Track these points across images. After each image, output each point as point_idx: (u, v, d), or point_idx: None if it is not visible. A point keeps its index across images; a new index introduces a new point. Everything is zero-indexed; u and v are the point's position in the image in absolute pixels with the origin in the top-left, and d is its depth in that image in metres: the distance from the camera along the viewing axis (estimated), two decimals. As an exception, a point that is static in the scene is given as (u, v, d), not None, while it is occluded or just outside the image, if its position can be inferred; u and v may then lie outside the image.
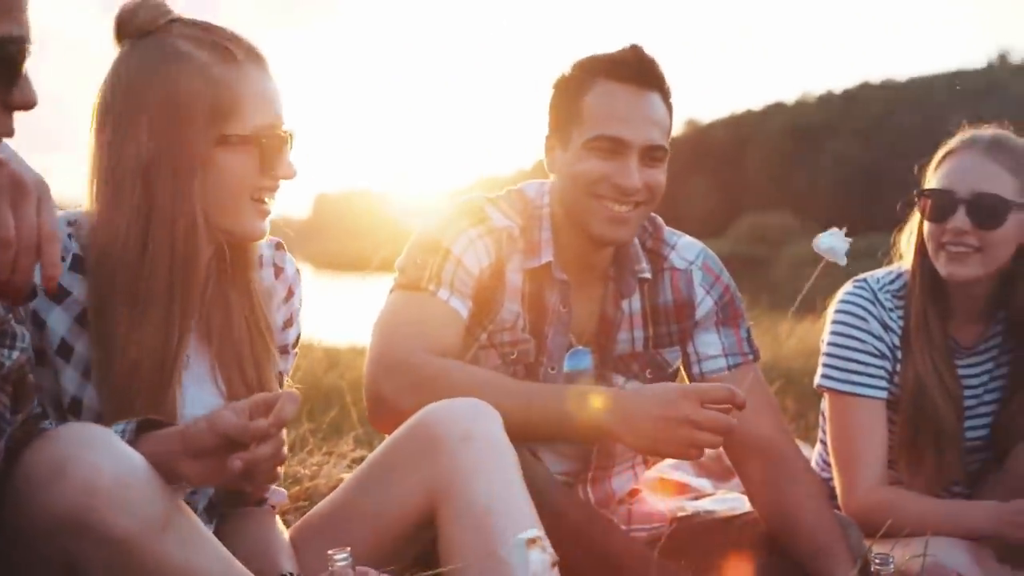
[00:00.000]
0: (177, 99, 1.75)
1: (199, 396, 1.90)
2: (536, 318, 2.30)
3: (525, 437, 2.10)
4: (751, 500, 2.41)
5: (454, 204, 2.34)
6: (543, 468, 2.20)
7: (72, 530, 1.47)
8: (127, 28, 1.80)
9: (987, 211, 2.36)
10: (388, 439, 1.96)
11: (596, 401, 2.08)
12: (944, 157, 2.46)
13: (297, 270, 2.09)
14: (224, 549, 1.63)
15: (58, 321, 1.78)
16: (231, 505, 1.99)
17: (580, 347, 2.35)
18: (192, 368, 1.90)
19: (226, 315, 1.92)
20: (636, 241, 2.37)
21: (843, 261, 2.04)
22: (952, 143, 2.46)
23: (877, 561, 1.74)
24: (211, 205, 1.81)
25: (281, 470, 1.63)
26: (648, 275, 2.37)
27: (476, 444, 1.81)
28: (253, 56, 1.84)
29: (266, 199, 1.86)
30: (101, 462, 1.49)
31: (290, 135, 1.87)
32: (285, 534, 1.99)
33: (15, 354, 1.58)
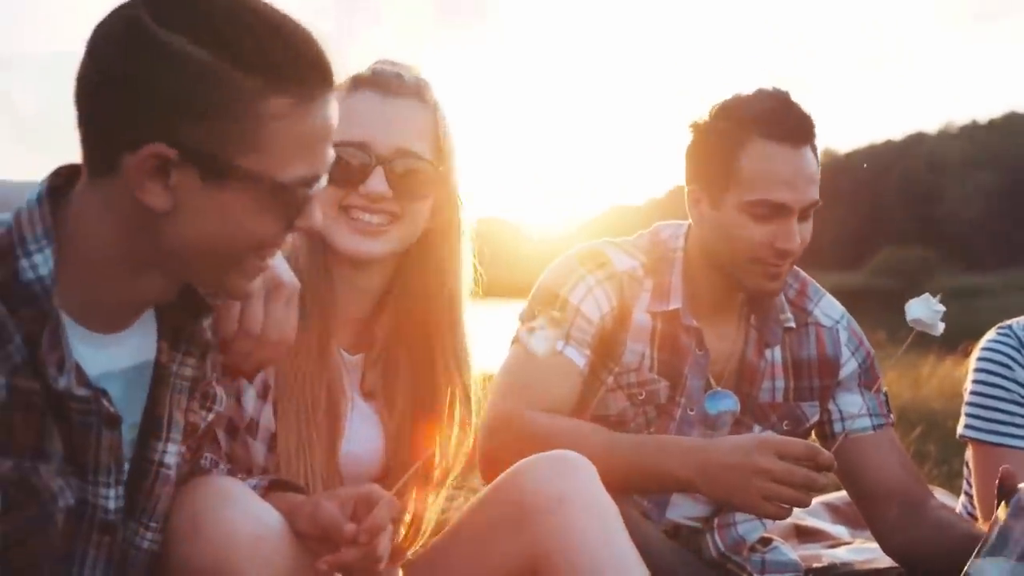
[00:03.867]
0: None
1: (363, 436, 1.93)
2: (669, 358, 2.27)
3: (618, 489, 2.02)
4: (883, 546, 2.34)
5: (574, 251, 2.33)
6: (653, 528, 2.18)
7: None
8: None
9: None
10: (480, 497, 1.90)
11: (674, 451, 2.04)
12: None
13: None
14: None
15: None
16: None
17: (721, 389, 2.31)
18: (358, 408, 1.93)
19: (399, 369, 1.94)
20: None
21: (937, 331, 1.96)
22: None
23: None
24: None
25: (383, 566, 1.56)
26: (793, 324, 2.34)
27: (570, 507, 1.73)
28: (372, 83, 1.91)
29: (362, 216, 1.86)
30: (237, 517, 1.49)
31: (389, 158, 1.85)
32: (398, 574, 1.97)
33: (211, 416, 1.58)
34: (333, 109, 1.37)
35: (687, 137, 2.30)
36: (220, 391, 1.61)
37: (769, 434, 2.07)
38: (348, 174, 1.83)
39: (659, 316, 2.28)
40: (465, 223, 1.98)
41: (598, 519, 1.75)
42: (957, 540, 2.14)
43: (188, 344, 1.49)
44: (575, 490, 1.76)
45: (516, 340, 2.29)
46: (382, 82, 1.88)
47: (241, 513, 1.50)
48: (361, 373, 1.95)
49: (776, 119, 2.18)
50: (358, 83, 1.89)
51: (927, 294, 1.98)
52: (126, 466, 1.45)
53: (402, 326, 1.96)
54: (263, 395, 1.84)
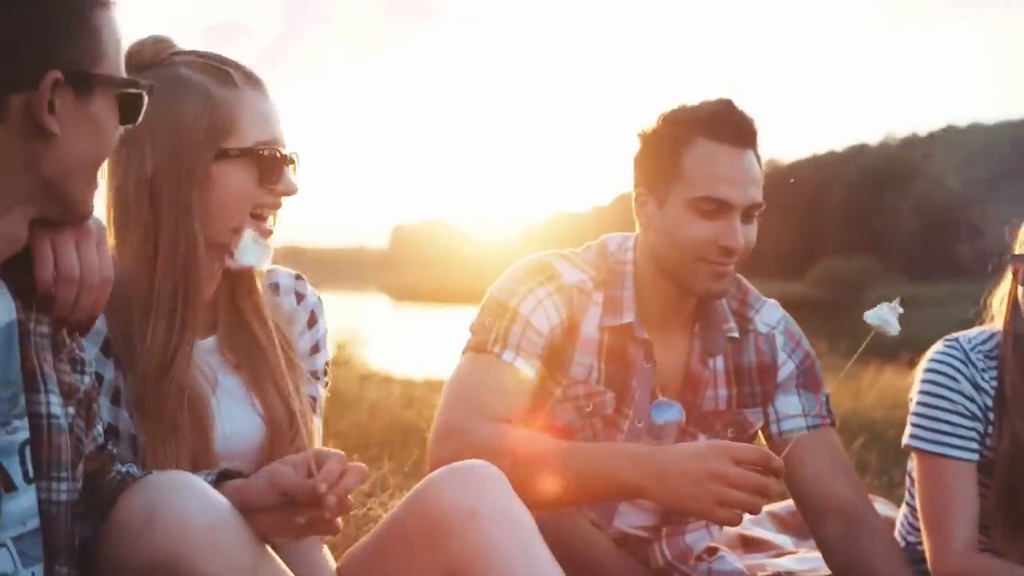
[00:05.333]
0: (178, 117, 1.78)
1: (237, 416, 1.92)
2: (616, 371, 2.29)
3: (569, 499, 2.11)
4: (827, 561, 2.37)
5: (523, 262, 2.35)
6: (602, 538, 2.20)
7: None
8: (134, 61, 1.84)
9: None
10: (396, 510, 1.91)
11: (626, 457, 2.06)
12: None
13: (319, 299, 2.10)
14: None
15: (86, 352, 1.75)
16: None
17: (666, 399, 2.33)
18: (226, 389, 1.93)
19: (250, 338, 1.94)
20: (724, 301, 2.37)
21: (893, 330, 2.01)
22: None
23: None
24: (212, 222, 1.84)
25: (340, 522, 1.59)
26: (736, 334, 2.37)
27: (483, 521, 1.73)
28: (251, 79, 1.88)
29: (268, 216, 1.87)
30: (191, 508, 1.48)
31: (292, 156, 1.89)
32: (333, 565, 1.97)
33: (86, 379, 1.60)
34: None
35: (635, 146, 2.34)
36: (87, 357, 1.64)
37: (722, 443, 2.08)
38: (271, 173, 1.86)
39: (608, 330, 2.29)
40: None
41: (513, 531, 1.75)
42: None
43: (39, 300, 1.52)
44: (487, 503, 1.76)
45: (464, 351, 2.30)
46: (258, 80, 1.91)
47: (195, 503, 1.50)
48: (219, 354, 1.95)
49: (719, 120, 2.23)
50: (241, 80, 1.88)
51: (885, 303, 2.02)
52: (17, 422, 1.47)
53: (237, 296, 1.97)
54: (115, 400, 1.83)
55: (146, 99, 1.52)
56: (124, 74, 1.49)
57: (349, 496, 1.57)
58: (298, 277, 2.08)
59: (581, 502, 2.21)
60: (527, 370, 2.23)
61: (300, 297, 2.07)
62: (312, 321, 2.08)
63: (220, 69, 1.88)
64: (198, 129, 1.83)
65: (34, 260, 1.52)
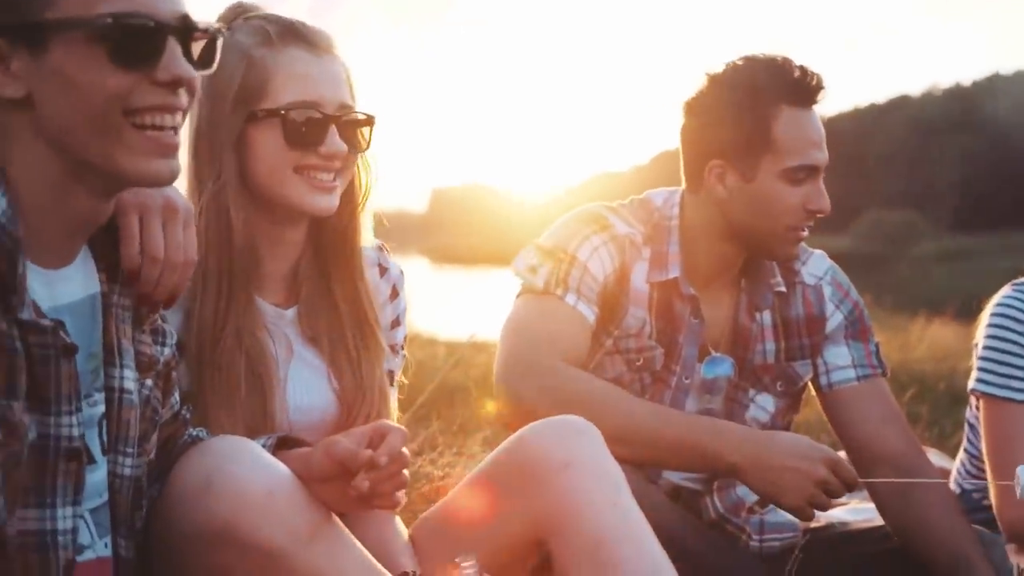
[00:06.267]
0: (213, 79, 1.69)
1: (314, 387, 1.93)
2: (665, 326, 2.29)
3: (651, 461, 2.16)
4: (881, 513, 2.37)
5: (574, 212, 2.35)
6: (657, 492, 2.22)
7: (220, 542, 1.47)
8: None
9: None
10: (491, 457, 1.91)
11: (730, 436, 2.10)
12: None
13: (401, 271, 2.09)
14: (372, 559, 1.62)
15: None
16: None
17: (718, 354, 2.34)
18: (304, 360, 1.93)
19: (332, 312, 1.94)
20: None
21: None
22: None
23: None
24: (254, 179, 1.85)
25: (402, 495, 1.60)
26: (783, 288, 2.37)
27: (576, 472, 1.76)
28: (298, 38, 1.86)
29: (319, 175, 1.85)
30: (248, 474, 1.49)
31: (360, 117, 1.89)
32: (404, 533, 1.97)
33: (166, 351, 1.61)
34: None
35: (690, 116, 2.30)
36: (169, 328, 1.64)
37: (827, 449, 2.14)
38: (304, 135, 1.84)
39: (657, 285, 2.30)
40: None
41: (604, 483, 1.78)
42: (939, 540, 2.24)
43: (123, 275, 1.52)
44: (580, 455, 1.78)
45: (520, 294, 2.30)
46: (309, 38, 1.88)
47: (252, 469, 1.51)
48: (298, 324, 1.95)
49: (800, 86, 2.23)
50: (284, 39, 1.86)
51: None
52: (97, 395, 1.47)
53: (325, 268, 1.96)
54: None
55: (145, 30, 1.34)
56: (126, 8, 1.32)
57: (405, 472, 1.58)
58: (380, 248, 2.07)
59: (662, 466, 2.26)
60: (588, 314, 2.24)
61: (383, 270, 2.06)
62: (394, 294, 2.08)
63: (263, 29, 1.87)
64: (230, 90, 1.83)
65: (120, 237, 1.51)
